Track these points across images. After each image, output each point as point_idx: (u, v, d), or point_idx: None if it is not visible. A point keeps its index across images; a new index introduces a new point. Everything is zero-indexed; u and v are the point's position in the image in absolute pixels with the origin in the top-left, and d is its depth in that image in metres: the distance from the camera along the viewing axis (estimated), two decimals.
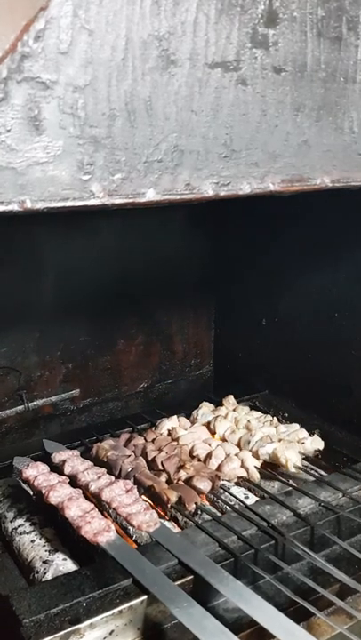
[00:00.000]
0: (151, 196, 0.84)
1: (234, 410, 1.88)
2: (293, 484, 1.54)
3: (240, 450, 1.68)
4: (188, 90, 0.84)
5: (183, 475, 1.56)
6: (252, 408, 1.98)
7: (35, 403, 1.66)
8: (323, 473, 1.61)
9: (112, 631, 1.09)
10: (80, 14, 0.73)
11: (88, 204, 0.78)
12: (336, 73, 1.03)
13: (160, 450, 1.66)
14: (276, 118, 0.95)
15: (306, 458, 1.66)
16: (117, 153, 0.79)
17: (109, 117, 0.78)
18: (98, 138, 0.77)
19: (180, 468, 1.58)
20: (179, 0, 0.81)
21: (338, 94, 1.04)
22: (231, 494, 1.52)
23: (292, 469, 1.60)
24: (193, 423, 1.84)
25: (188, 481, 1.54)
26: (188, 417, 1.88)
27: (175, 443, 1.72)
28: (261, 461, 1.64)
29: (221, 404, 1.93)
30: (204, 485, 1.52)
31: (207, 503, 1.51)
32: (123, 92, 0.78)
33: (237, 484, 1.60)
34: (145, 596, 1.13)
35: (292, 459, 1.59)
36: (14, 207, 0.72)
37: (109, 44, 0.76)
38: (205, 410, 1.89)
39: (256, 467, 1.62)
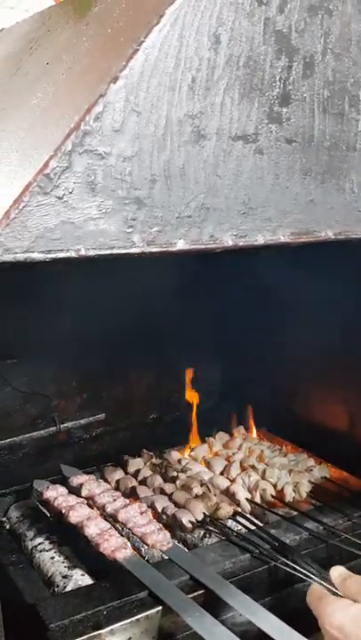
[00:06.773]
0: (181, 245, 0.99)
1: (244, 439, 2.00)
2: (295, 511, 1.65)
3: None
4: (214, 159, 1.00)
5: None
6: None
7: (65, 424, 1.78)
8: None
9: (129, 638, 1.19)
10: (131, 99, 0.89)
11: (130, 252, 0.93)
12: (339, 142, 1.19)
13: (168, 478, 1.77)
14: (287, 181, 1.11)
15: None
16: (155, 210, 0.94)
17: (150, 182, 0.93)
18: (140, 198, 0.92)
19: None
20: (209, 86, 0.97)
21: (340, 160, 1.19)
22: (236, 521, 1.62)
23: (304, 495, 1.71)
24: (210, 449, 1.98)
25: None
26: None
27: (183, 471, 1.82)
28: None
29: (232, 434, 2.05)
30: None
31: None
32: (162, 161, 0.93)
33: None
34: (160, 607, 1.22)
35: (303, 486, 1.72)
36: (72, 254, 0.87)
37: (153, 123, 0.92)
38: (220, 439, 2.02)
39: (248, 499, 1.71)
